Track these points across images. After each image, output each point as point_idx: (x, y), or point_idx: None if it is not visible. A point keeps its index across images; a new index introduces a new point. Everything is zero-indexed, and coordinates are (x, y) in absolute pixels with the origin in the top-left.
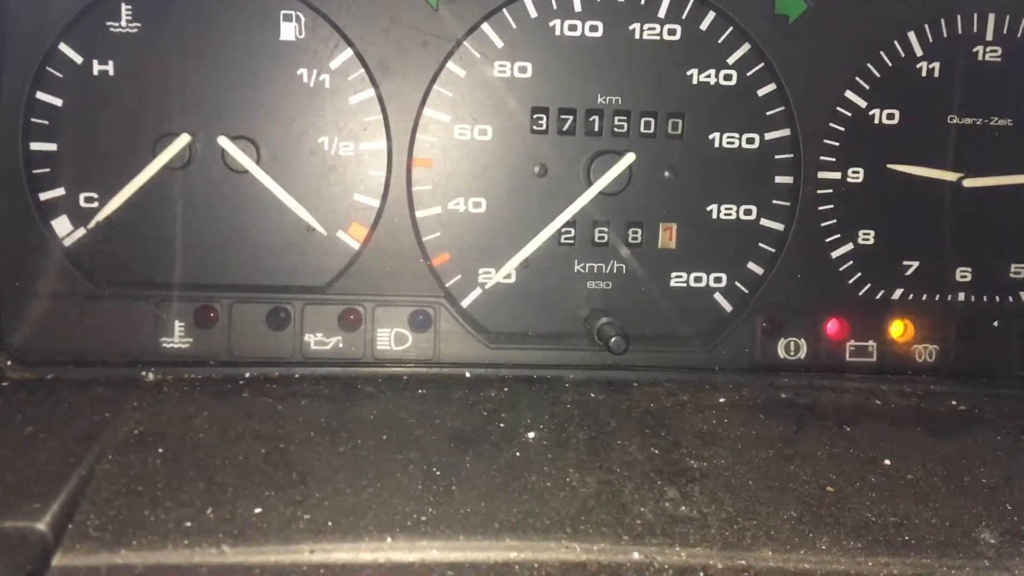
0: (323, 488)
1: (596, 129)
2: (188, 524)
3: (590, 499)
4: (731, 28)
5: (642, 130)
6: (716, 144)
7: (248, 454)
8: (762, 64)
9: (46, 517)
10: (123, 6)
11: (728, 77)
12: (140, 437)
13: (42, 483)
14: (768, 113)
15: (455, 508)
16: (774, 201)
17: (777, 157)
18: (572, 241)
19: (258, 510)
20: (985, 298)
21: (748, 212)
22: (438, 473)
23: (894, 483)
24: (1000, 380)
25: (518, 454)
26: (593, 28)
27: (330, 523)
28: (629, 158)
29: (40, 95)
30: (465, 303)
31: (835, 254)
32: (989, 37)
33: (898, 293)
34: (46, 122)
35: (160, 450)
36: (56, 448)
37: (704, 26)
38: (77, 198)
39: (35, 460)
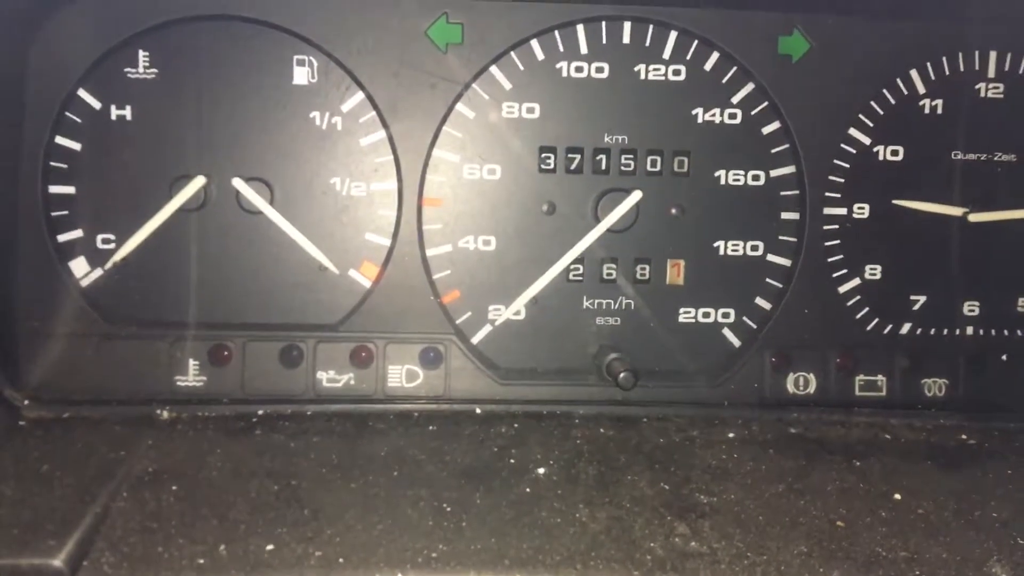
0: (334, 524)
1: (603, 168)
2: (201, 561)
3: (600, 534)
4: (735, 68)
5: (649, 168)
6: (722, 181)
7: (260, 491)
8: (766, 103)
9: (62, 554)
10: (140, 53)
11: (733, 116)
12: (154, 475)
13: (58, 520)
14: (773, 150)
15: (465, 544)
16: (781, 237)
17: (783, 193)
18: (581, 278)
19: (270, 547)
20: (993, 332)
21: (755, 248)
22: (448, 509)
23: (904, 517)
24: (1010, 414)
25: (528, 490)
26: (599, 69)
27: (341, 559)
28: (636, 196)
29: (59, 139)
30: (475, 340)
31: (842, 289)
32: (991, 74)
33: (906, 327)
34: (65, 166)
35: (174, 487)
36: (72, 486)
37: (708, 66)
38: (94, 239)
39: (51, 497)
